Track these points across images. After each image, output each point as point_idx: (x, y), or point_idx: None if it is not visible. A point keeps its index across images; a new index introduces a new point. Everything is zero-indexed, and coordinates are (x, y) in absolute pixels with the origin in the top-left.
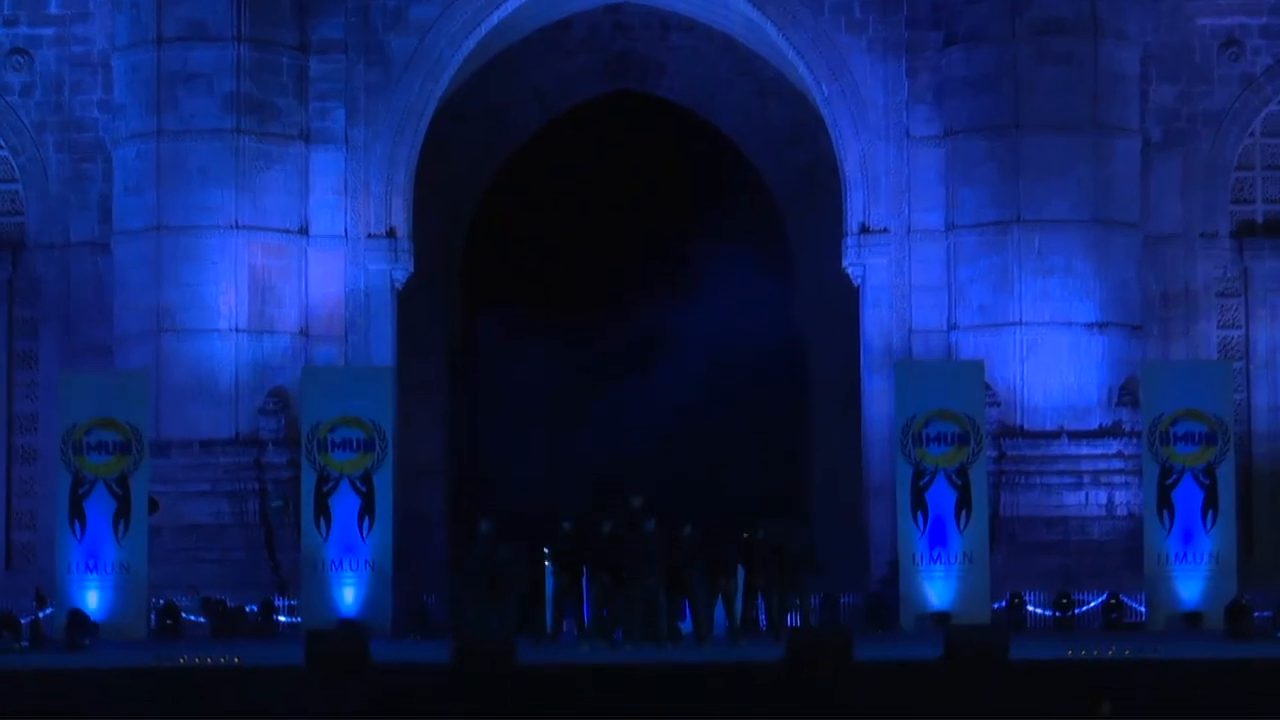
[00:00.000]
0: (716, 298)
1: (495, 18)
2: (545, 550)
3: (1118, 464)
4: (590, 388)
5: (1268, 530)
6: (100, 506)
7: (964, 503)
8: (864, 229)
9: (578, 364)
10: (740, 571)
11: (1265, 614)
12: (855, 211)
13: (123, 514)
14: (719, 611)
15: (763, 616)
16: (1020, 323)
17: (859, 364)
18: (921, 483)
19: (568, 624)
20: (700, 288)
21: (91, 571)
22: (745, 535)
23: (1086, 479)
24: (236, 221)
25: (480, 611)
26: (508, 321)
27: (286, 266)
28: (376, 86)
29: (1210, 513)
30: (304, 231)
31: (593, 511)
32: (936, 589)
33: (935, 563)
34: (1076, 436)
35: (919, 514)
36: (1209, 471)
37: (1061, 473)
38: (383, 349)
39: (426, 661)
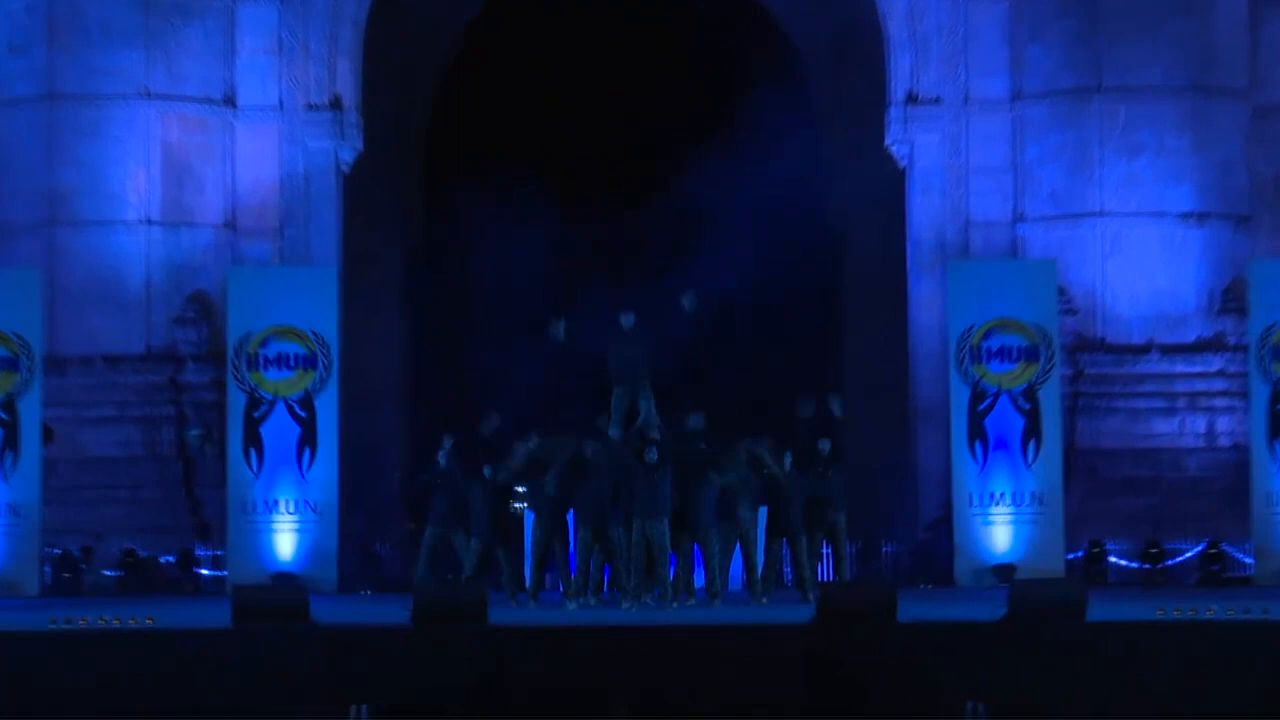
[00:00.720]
0: (729, 182)
1: None
2: (522, 489)
3: (1219, 384)
4: (581, 288)
5: None
6: None
7: (1032, 431)
8: (911, 98)
9: (564, 260)
10: (762, 513)
11: None
12: (901, 77)
13: (10, 445)
14: (736, 562)
15: (787, 569)
16: (1101, 213)
17: (904, 263)
18: (981, 407)
19: (550, 577)
20: (711, 169)
21: None
22: (766, 471)
23: (1181, 402)
24: (147, 89)
25: (430, 559)
26: (480, 209)
27: (208, 144)
28: None
29: None
30: (229, 102)
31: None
32: (998, 536)
33: (997, 504)
34: (1169, 351)
35: (977, 444)
36: None
37: (1151, 395)
38: (326, 244)
39: (380, 624)
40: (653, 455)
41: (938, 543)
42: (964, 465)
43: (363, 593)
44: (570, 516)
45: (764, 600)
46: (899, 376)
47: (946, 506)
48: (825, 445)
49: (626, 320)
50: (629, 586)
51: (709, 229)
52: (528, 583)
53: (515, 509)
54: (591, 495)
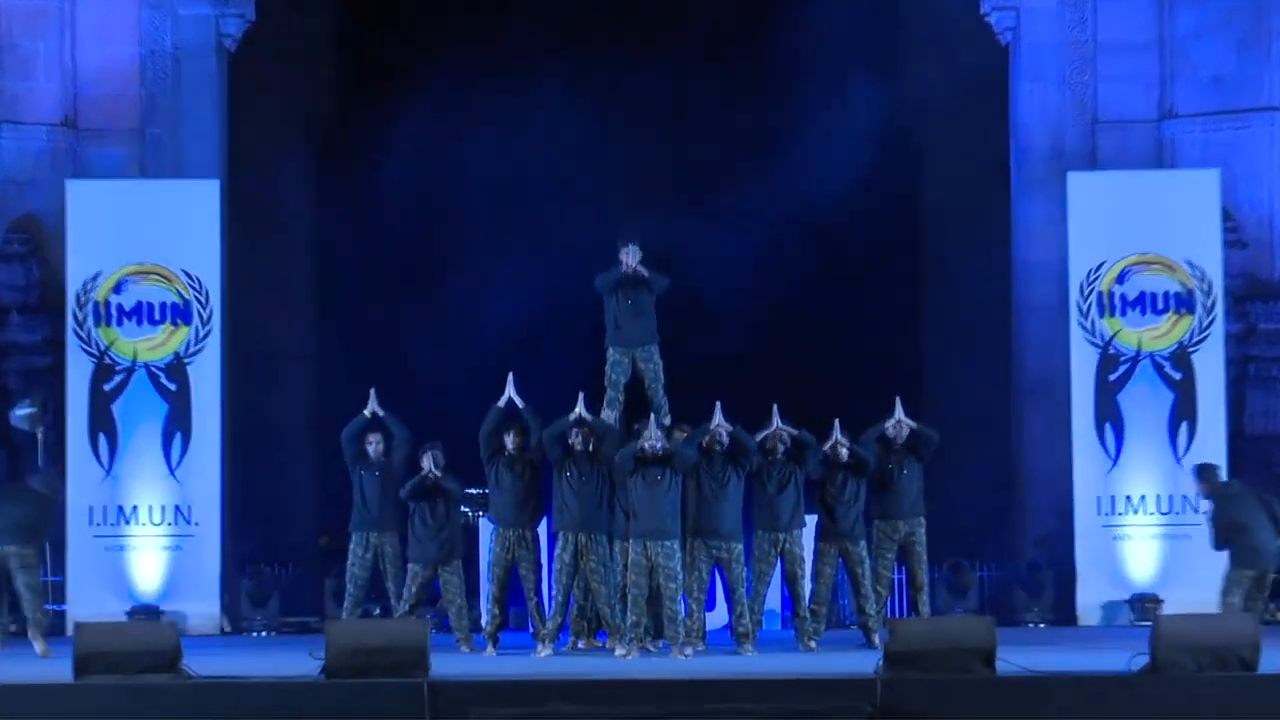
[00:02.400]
0: (768, 72)
1: None
2: (477, 492)
3: None
4: (561, 212)
5: None
6: None
7: (1185, 410)
8: None
9: (541, 170)
10: (811, 523)
11: None
12: None
13: None
14: (778, 591)
15: (844, 601)
16: None
17: (1006, 177)
18: (1113, 377)
19: (515, 611)
20: (739, 54)
21: None
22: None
23: None
24: None
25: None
26: (420, 99)
27: (39, 11)
28: None
29: None
30: None
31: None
32: (1137, 556)
33: (1135, 512)
34: None
35: (1108, 429)
36: None
37: None
38: (204, 150)
39: (280, 677)
40: (657, 447)
41: (1053, 566)
42: (1089, 459)
43: (256, 634)
44: (545, 528)
45: (813, 644)
46: (998, 337)
47: (1064, 517)
48: (901, 433)
49: (629, 258)
50: (624, 626)
51: (737, 137)
52: (484, 621)
53: (467, 517)
54: (575, 501)
